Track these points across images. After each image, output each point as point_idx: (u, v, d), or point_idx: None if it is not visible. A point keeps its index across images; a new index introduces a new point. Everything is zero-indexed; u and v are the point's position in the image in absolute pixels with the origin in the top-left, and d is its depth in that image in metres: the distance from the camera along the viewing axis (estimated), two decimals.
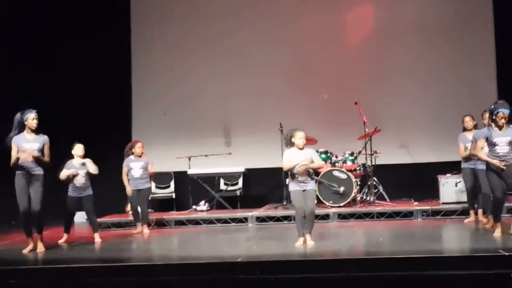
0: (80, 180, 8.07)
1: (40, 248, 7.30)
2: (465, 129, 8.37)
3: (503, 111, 6.79)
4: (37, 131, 7.24)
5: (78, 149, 8.16)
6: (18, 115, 7.20)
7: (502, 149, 6.86)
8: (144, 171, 8.95)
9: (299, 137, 6.98)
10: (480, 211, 8.32)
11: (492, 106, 6.98)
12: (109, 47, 11.45)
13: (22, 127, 7.19)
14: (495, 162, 6.84)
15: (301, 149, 6.99)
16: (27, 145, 7.13)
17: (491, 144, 6.94)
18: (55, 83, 11.06)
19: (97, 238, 8.15)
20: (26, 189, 7.11)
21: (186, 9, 11.94)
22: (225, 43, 11.70)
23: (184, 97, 11.84)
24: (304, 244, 6.88)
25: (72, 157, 8.18)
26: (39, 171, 7.19)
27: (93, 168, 8.13)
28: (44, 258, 6.99)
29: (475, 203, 8.47)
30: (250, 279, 5.68)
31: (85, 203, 8.16)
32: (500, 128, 6.85)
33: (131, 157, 9.00)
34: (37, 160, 7.15)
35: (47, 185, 7.26)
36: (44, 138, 7.29)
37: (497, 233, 6.97)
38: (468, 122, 8.32)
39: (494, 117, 6.87)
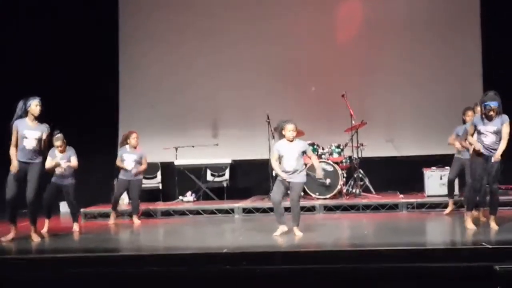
0: (59, 169, 8.02)
1: (34, 238, 7.21)
2: (464, 122, 8.24)
3: (490, 104, 6.88)
4: (39, 118, 7.13)
5: (55, 141, 8.03)
6: (21, 102, 7.08)
7: (487, 138, 6.94)
8: (137, 163, 8.93)
9: (289, 130, 7.00)
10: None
11: (482, 99, 7.05)
12: (96, 39, 11.32)
13: (25, 114, 7.07)
14: (475, 143, 6.93)
15: (291, 141, 7.02)
16: (29, 132, 7.03)
17: (478, 133, 7.04)
18: (54, 83, 10.90)
19: (75, 227, 8.10)
20: (20, 178, 7.00)
21: (175, 2, 11.88)
22: (214, 37, 11.64)
23: (172, 89, 11.79)
24: (291, 235, 6.93)
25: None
26: (38, 159, 7.14)
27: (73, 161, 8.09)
28: (26, 248, 6.92)
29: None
30: (235, 270, 5.70)
31: (65, 192, 8.11)
32: (490, 119, 6.93)
33: (126, 147, 8.97)
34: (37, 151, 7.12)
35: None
36: (44, 127, 7.20)
37: (469, 224, 7.08)
38: (471, 116, 8.04)
39: (483, 110, 6.96)
